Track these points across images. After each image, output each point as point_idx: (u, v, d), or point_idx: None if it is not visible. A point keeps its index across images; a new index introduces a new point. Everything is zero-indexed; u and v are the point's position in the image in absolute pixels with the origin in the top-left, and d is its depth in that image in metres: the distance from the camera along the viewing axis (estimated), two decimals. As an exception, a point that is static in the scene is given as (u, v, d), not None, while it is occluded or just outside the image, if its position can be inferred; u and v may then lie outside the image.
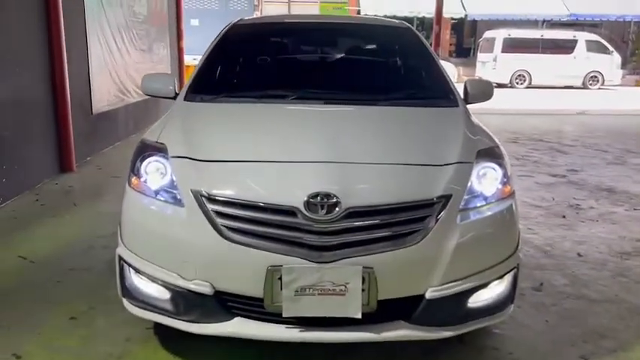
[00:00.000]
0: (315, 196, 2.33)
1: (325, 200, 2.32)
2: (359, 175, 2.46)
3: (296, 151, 2.59)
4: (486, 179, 2.64)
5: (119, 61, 8.22)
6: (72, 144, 6.41)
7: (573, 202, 5.77)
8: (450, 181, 2.50)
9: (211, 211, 2.40)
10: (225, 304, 2.44)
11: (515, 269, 2.67)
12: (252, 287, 2.35)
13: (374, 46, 3.85)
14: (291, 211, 2.34)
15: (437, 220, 2.40)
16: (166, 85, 3.45)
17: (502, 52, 21.54)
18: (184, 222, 2.45)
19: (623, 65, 23.03)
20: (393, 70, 3.89)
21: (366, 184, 2.44)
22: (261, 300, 2.36)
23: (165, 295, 2.53)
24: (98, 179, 6.26)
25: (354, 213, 2.34)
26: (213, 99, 3.21)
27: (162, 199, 2.56)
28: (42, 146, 5.99)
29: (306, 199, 2.32)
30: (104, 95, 7.68)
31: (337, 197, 2.32)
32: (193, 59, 11.93)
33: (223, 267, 2.39)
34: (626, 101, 16.92)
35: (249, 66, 3.85)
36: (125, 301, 2.68)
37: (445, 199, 2.44)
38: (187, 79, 3.53)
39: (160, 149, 2.69)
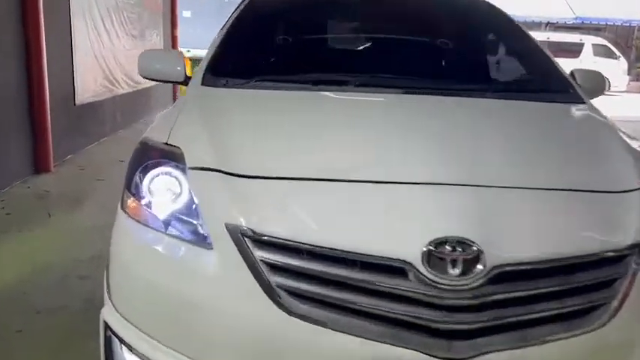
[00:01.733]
0: (441, 243, 1.38)
1: (459, 251, 1.38)
2: (508, 207, 1.52)
3: (397, 166, 1.64)
4: None
5: (108, 46, 7.21)
6: (49, 139, 5.44)
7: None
8: None
9: (260, 262, 1.45)
10: None
11: None
12: None
13: (454, 23, 2.90)
14: (398, 269, 1.39)
15: (631, 283, 1.47)
16: (173, 65, 2.51)
17: (507, 53, 20.75)
18: (213, 275, 1.51)
19: (628, 71, 22.32)
20: (484, 53, 2.95)
21: (522, 223, 1.50)
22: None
23: (177, 391, 1.57)
24: (79, 182, 5.27)
25: (507, 274, 1.40)
26: (246, 84, 2.24)
27: (175, 233, 1.61)
28: (12, 142, 5.00)
29: (425, 248, 1.38)
30: (90, 84, 6.69)
31: (478, 246, 1.38)
32: (187, 51, 10.97)
33: (280, 358, 1.44)
34: (636, 108, 16.11)
35: (289, 42, 2.86)
36: (113, 392, 1.71)
37: (639, 248, 1.51)
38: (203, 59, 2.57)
39: (172, 156, 1.73)
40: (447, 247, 1.37)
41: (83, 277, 3.17)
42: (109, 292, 1.73)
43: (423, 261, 1.37)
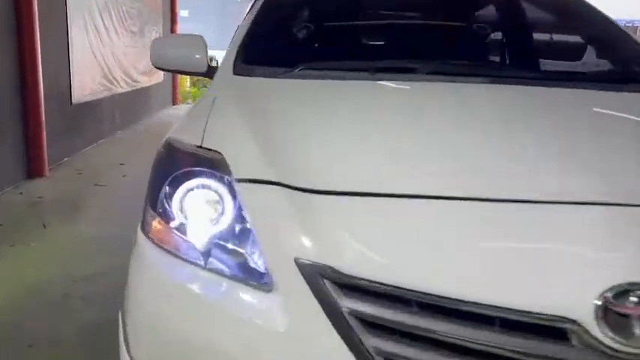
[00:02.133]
0: (620, 293, 0.96)
1: None
2: None
3: (535, 178, 1.20)
4: None
5: (106, 41, 6.79)
6: (44, 141, 5.04)
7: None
8: None
9: (349, 315, 1.03)
10: None
11: None
12: None
13: (526, 4, 2.51)
14: (557, 330, 0.97)
15: None
16: (191, 53, 2.09)
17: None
18: (276, 330, 1.09)
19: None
20: (572, 40, 2.55)
21: None
22: None
23: None
24: (77, 187, 4.84)
25: None
26: (289, 72, 1.81)
27: (217, 266, 1.19)
28: (3, 144, 4.58)
29: (598, 300, 0.96)
30: (87, 82, 6.27)
31: None
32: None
33: None
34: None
35: (337, 25, 2.41)
36: None
37: None
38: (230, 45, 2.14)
39: (211, 163, 1.30)
40: (632, 297, 0.95)
41: (84, 298, 2.75)
42: (127, 345, 1.30)
43: (596, 319, 0.95)
